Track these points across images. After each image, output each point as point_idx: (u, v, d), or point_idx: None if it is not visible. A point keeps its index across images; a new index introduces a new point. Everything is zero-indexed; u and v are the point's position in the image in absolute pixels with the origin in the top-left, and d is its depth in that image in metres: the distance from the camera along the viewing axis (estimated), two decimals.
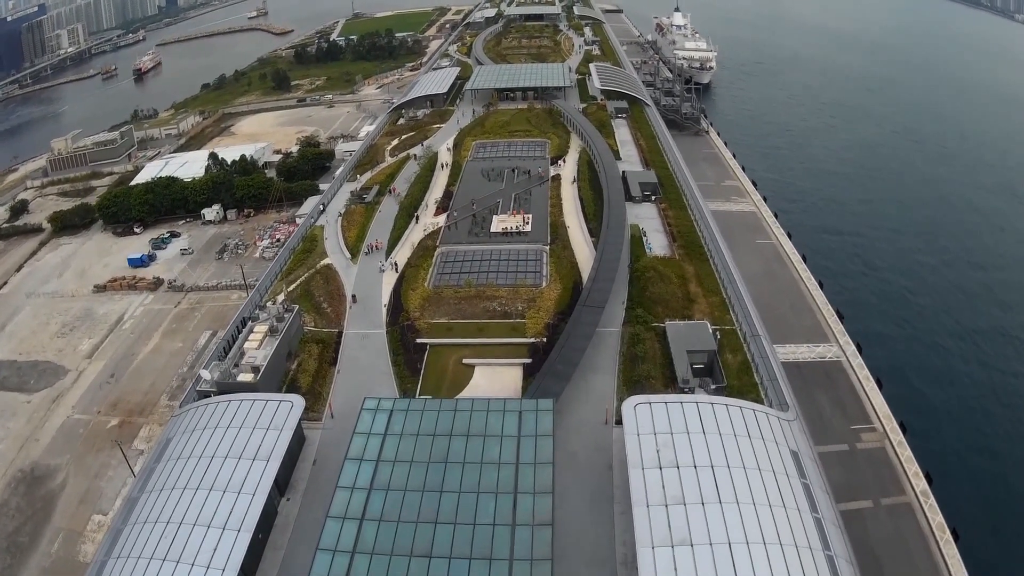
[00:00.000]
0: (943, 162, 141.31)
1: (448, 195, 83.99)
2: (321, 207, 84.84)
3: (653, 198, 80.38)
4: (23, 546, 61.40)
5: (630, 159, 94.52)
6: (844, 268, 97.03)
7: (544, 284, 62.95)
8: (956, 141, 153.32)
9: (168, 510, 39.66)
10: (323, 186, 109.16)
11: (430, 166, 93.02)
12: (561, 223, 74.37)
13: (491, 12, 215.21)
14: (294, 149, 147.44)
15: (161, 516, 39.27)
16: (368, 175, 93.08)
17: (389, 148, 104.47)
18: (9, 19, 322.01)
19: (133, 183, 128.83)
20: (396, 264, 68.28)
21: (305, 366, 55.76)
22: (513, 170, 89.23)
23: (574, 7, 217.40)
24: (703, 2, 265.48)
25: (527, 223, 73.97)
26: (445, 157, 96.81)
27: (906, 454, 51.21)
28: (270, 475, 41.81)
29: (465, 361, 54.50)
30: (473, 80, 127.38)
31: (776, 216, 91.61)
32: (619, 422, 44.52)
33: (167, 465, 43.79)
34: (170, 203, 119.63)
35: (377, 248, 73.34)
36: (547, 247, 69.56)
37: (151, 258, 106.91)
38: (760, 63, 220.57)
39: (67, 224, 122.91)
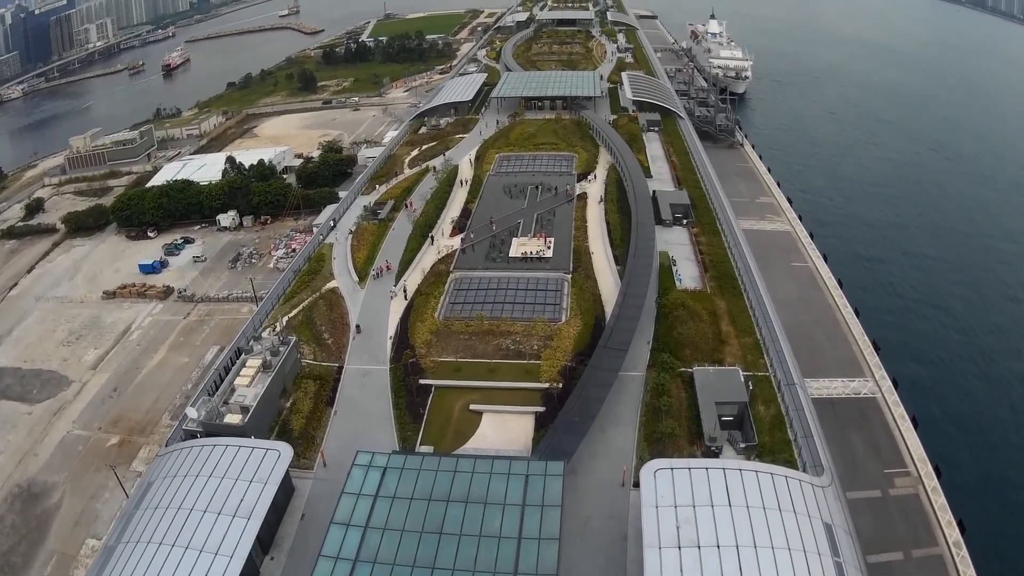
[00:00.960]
0: (980, 183, 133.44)
1: (466, 214, 79.67)
2: (331, 223, 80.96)
3: (685, 222, 75.32)
4: (16, 567, 58.41)
5: (661, 177, 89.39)
6: (881, 296, 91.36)
7: (563, 319, 58.27)
8: (992, 160, 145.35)
9: (141, 570, 36.69)
10: (342, 193, 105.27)
11: (448, 181, 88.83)
12: (585, 249, 69.58)
13: (523, 16, 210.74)
14: (316, 154, 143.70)
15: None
16: (383, 188, 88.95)
17: (408, 159, 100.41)
18: (38, 12, 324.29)
19: (149, 185, 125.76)
20: (406, 290, 63.96)
21: (299, 406, 51.74)
22: (537, 187, 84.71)
23: (607, 13, 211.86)
24: (738, 11, 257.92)
25: (549, 247, 69.34)
26: (466, 170, 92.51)
27: (940, 501, 47.50)
28: (251, 534, 38.33)
29: (472, 407, 50.04)
30: (500, 88, 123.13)
31: (812, 237, 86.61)
32: (636, 484, 40.31)
33: (145, 515, 40.51)
34: (185, 208, 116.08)
35: (387, 270, 69.23)
36: (569, 276, 64.92)
37: (163, 264, 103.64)
38: (795, 74, 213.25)
39: (81, 225, 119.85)
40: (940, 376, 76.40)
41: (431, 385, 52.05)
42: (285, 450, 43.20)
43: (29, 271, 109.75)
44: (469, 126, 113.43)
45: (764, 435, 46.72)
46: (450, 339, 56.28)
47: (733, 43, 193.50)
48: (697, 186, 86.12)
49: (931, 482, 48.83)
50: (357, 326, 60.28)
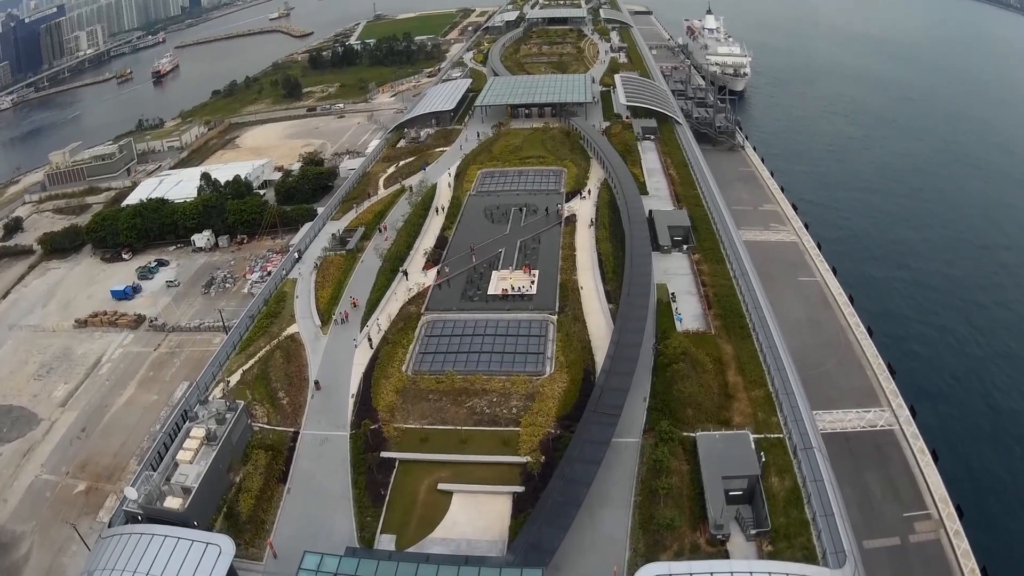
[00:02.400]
0: (993, 184, 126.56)
1: (442, 243, 72.51)
2: (296, 255, 74.15)
3: (685, 247, 68.13)
4: None
5: (658, 193, 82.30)
6: (894, 312, 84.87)
7: (548, 372, 51.27)
8: (1001, 157, 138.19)
9: None
10: (320, 208, 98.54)
11: (424, 204, 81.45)
12: (573, 283, 62.31)
13: (512, 16, 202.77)
14: (296, 166, 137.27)
15: None
16: (355, 212, 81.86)
17: (384, 177, 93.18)
18: (27, 20, 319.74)
19: (125, 204, 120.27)
20: (371, 339, 56.94)
21: (249, 483, 45.14)
22: (521, 208, 77.58)
23: (600, 10, 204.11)
24: (735, 5, 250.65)
25: (532, 282, 62.23)
26: (444, 191, 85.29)
27: (963, 547, 43.14)
28: None
29: (441, 486, 43.21)
30: (484, 95, 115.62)
31: (819, 247, 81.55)
32: None
33: None
34: (159, 228, 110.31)
35: (354, 307, 62.47)
36: (554, 317, 57.72)
37: (135, 290, 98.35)
38: (795, 70, 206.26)
39: (57, 247, 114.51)
40: (959, 400, 70.71)
41: (395, 459, 45.16)
42: (227, 545, 38.04)
43: (4, 296, 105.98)
44: (451, 137, 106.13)
45: (778, 515, 40.11)
46: (417, 401, 49.32)
47: (731, 39, 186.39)
48: (698, 202, 79.01)
49: (953, 525, 44.42)
50: (316, 382, 53.50)
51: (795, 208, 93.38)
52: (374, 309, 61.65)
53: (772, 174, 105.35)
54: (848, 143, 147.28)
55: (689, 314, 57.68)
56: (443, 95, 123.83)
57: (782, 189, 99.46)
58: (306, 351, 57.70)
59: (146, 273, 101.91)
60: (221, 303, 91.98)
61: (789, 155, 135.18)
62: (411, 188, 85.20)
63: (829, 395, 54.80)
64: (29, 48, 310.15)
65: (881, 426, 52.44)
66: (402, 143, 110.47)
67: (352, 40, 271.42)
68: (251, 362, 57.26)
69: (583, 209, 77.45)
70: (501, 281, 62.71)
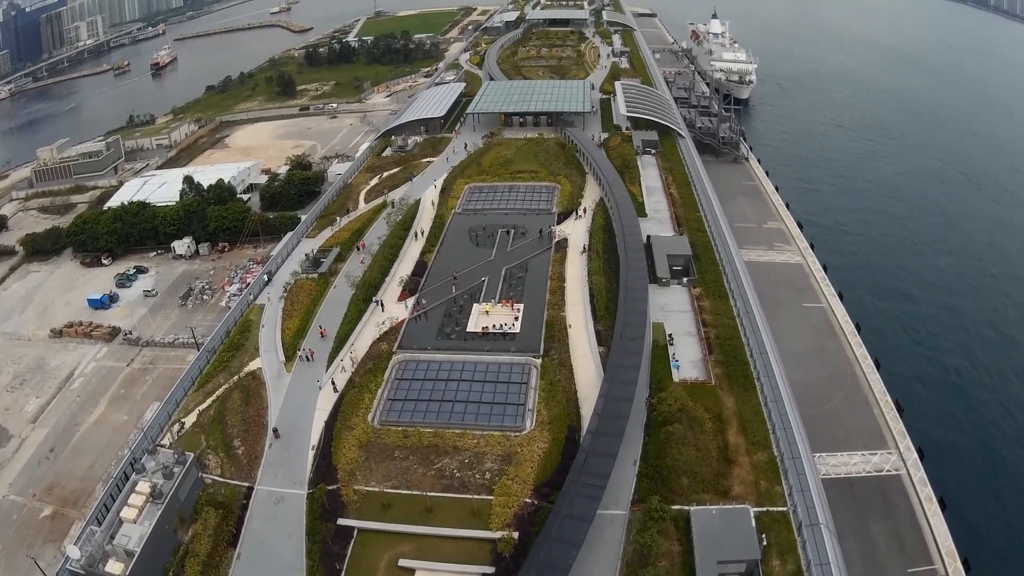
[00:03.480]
0: (1005, 203, 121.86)
1: (421, 268, 67.22)
2: (266, 277, 69.25)
3: (685, 280, 63.03)
4: None
5: (658, 215, 77.10)
6: (902, 342, 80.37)
7: (527, 427, 46.26)
8: (1009, 176, 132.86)
9: None
10: (304, 216, 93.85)
11: (405, 224, 75.94)
12: (561, 321, 57.16)
13: (512, 16, 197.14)
14: (283, 170, 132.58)
15: None
16: (330, 231, 76.85)
17: (366, 190, 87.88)
18: (28, 9, 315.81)
19: (107, 206, 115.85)
20: (335, 383, 51.99)
21: (197, 546, 40.71)
22: (509, 230, 72.45)
23: (603, 11, 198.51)
24: (741, 11, 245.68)
25: (516, 318, 57.15)
26: (428, 208, 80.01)
27: None
28: None
29: (402, 563, 38.35)
30: (476, 102, 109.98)
31: (825, 270, 77.42)
32: None
33: None
34: (140, 233, 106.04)
35: (322, 337, 57.85)
36: (538, 361, 52.63)
37: (112, 299, 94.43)
38: (802, 78, 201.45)
39: (38, 248, 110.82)
40: (968, 444, 66.46)
41: (353, 528, 40.33)
42: None
43: None
44: (440, 146, 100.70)
45: None
46: (381, 459, 44.36)
47: (736, 44, 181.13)
48: (700, 227, 73.76)
49: None
50: (275, 429, 48.63)
51: (800, 226, 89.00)
52: (343, 344, 56.66)
53: (777, 189, 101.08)
54: (855, 159, 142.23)
55: (688, 359, 52.63)
56: (434, 100, 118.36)
57: (787, 205, 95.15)
58: (267, 391, 52.79)
59: (124, 281, 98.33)
60: (198, 316, 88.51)
61: (795, 168, 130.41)
62: (392, 203, 79.95)
63: (834, 435, 51.64)
64: (29, 37, 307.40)
65: (888, 471, 49.15)
66: (388, 151, 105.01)
67: (350, 37, 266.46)
68: (209, 401, 52.53)
69: (576, 232, 72.43)
70: (482, 316, 57.69)
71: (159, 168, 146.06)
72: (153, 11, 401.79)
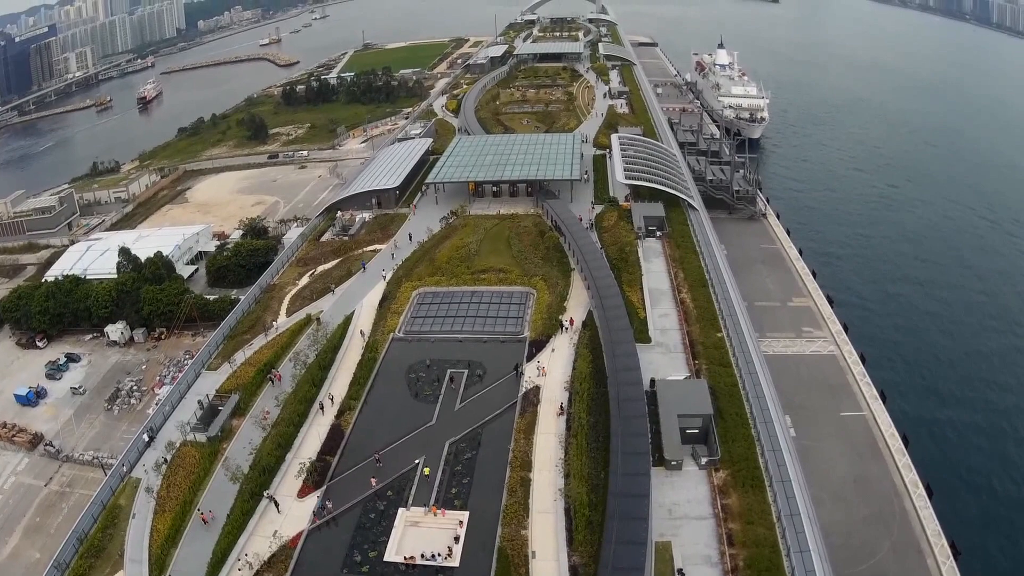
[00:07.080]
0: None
1: (335, 438, 48.45)
2: (146, 437, 51.66)
3: (704, 460, 44.59)
4: None
5: (666, 338, 58.44)
6: (957, 463, 64.55)
7: None
8: None
9: None
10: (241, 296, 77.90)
11: (322, 362, 56.47)
12: (519, 547, 38.58)
13: (499, 51, 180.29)
14: (236, 235, 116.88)
15: None
16: (230, 367, 58.59)
17: (292, 294, 69.74)
18: (18, 39, 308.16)
19: (44, 278, 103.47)
20: None
21: None
22: (463, 371, 54.12)
23: (600, 43, 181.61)
24: (746, 36, 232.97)
25: (457, 538, 38.89)
26: (358, 333, 61.00)
27: None
28: None
29: None
30: (440, 166, 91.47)
31: (863, 361, 63.63)
32: None
33: None
34: (73, 313, 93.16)
35: (204, 523, 40.73)
36: None
37: (39, 395, 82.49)
38: (814, 109, 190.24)
39: None
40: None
41: None
42: None
43: None
44: (392, 227, 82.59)
45: None
46: None
47: (746, 76, 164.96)
48: (724, 358, 55.02)
49: None
50: None
51: (831, 302, 74.24)
52: (225, 560, 38.50)
53: (801, 253, 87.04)
54: (878, 209, 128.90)
55: None
56: (391, 164, 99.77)
57: (813, 274, 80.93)
58: None
59: (54, 371, 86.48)
60: (123, 426, 77.13)
61: (816, 226, 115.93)
62: (319, 321, 61.74)
63: None
64: (19, 69, 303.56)
65: None
66: (329, 234, 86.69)
67: (333, 73, 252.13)
68: None
69: (552, 376, 53.56)
70: (410, 533, 39.33)
71: (114, 225, 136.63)
72: (145, 42, 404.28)
